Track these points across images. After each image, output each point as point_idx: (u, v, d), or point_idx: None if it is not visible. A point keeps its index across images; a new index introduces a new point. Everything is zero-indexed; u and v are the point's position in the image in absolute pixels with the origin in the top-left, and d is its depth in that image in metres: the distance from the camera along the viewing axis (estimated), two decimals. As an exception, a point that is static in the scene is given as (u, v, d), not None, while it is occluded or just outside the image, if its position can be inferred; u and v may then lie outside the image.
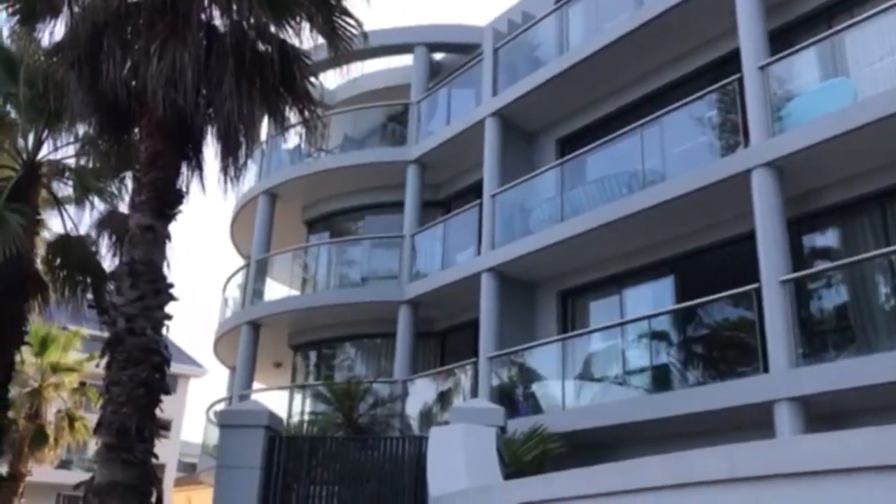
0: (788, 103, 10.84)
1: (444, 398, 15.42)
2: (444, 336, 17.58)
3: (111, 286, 8.93)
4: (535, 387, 13.72)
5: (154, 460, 7.55)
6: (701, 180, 11.15)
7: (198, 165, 8.80)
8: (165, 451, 52.81)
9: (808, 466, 2.91)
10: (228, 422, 7.89)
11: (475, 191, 16.37)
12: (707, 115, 12.19)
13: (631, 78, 14.15)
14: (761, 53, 11.02)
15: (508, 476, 6.69)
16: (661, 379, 11.71)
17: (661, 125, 12.55)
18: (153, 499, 7.35)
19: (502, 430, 7.74)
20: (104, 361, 7.57)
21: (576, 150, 14.27)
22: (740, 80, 11.21)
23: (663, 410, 10.79)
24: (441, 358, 17.25)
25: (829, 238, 11.48)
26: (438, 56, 19.54)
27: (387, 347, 17.43)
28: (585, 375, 13.11)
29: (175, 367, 58.06)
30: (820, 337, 10.10)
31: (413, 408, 15.49)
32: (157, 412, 7.64)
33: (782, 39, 11.56)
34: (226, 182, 8.91)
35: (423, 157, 17.43)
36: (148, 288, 7.71)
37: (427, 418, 15.05)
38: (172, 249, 8.39)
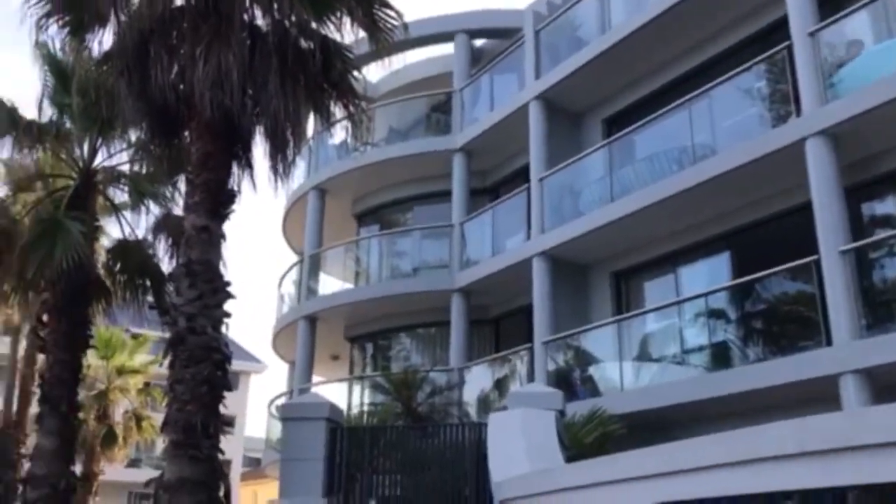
0: (840, 69, 10.55)
1: (500, 384, 15.44)
2: (498, 322, 17.59)
3: (170, 287, 9.10)
4: (592, 369, 13.65)
5: (220, 456, 7.71)
6: (753, 152, 10.93)
7: (248, 164, 8.93)
8: (230, 447, 53.83)
9: (876, 438, 2.85)
10: (290, 415, 8.02)
11: (522, 175, 16.31)
12: (756, 86, 11.93)
13: (676, 52, 13.91)
14: (810, 19, 10.73)
15: (569, 459, 6.67)
16: (720, 357, 11.54)
17: (709, 99, 12.33)
18: (221, 493, 7.52)
19: (561, 413, 7.72)
20: (168, 361, 7.74)
21: (623, 129, 14.10)
22: (789, 49, 10.94)
23: (724, 388, 10.65)
24: (496, 344, 17.26)
25: (889, 205, 11.16)
26: (479, 42, 19.46)
27: (441, 336, 17.51)
28: (643, 356, 13.00)
29: (236, 364, 59.48)
30: (884, 307, 9.83)
31: (470, 395, 15.54)
32: (221, 408, 7.81)
33: (831, 4, 11.24)
34: (275, 180, 9.03)
35: (468, 145, 17.41)
36: (206, 287, 7.87)
37: (484, 405, 15.10)
38: (227, 248, 8.55)
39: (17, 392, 20.35)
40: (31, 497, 11.13)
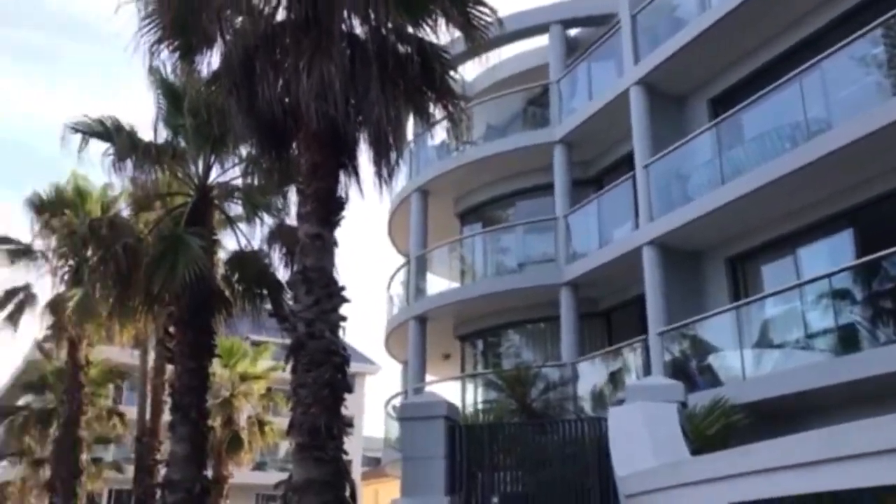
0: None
1: (615, 378, 15.21)
2: (609, 315, 17.33)
3: (288, 294, 9.39)
4: (710, 359, 13.26)
5: (344, 456, 7.90)
6: (873, 123, 10.36)
7: (354, 172, 9.13)
8: (350, 447, 55.00)
9: None
10: (409, 415, 8.14)
11: (626, 163, 16.01)
12: (872, 53, 11.30)
13: (781, 25, 13.34)
14: (930, -23, 10.09)
15: (694, 452, 6.51)
16: (847, 340, 11.00)
17: (820, 70, 11.76)
18: (347, 493, 7.70)
19: (682, 405, 7.53)
20: (290, 366, 7.99)
21: (729, 108, 13.62)
22: (908, 10, 10.32)
23: (853, 373, 10.13)
24: (608, 337, 17.01)
25: None
26: (574, 32, 19.22)
27: (551, 331, 17.39)
28: (763, 342, 12.53)
29: (352, 366, 60.93)
30: None
31: (584, 390, 15.38)
32: (342, 410, 7.99)
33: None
34: (380, 185, 9.19)
35: (568, 136, 17.22)
36: (322, 293, 8.08)
37: (599, 399, 14.92)
38: (339, 254, 8.73)
39: (149, 401, 21.49)
40: (169, 501, 11.70)
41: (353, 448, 57.72)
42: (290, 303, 8.36)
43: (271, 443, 25.43)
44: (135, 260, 11.93)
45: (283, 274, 13.04)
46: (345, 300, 8.34)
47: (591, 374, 15.69)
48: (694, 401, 10.69)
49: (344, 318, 8.24)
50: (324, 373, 7.82)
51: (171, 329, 12.76)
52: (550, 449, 8.10)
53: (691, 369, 13.36)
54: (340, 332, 8.17)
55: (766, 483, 4.00)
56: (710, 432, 9.46)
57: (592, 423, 8.26)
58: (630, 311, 16.33)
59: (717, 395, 11.23)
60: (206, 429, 12.39)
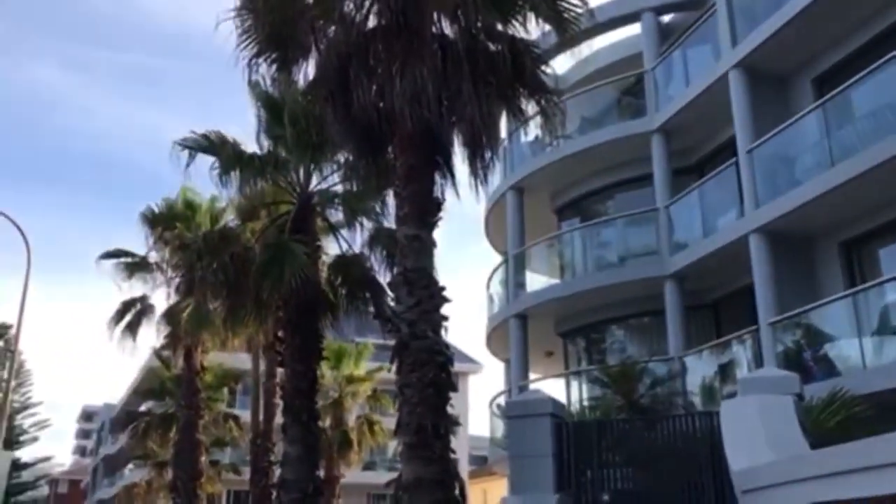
0: None
1: (725, 371, 14.76)
2: (716, 307, 16.82)
3: (389, 297, 9.52)
4: (826, 348, 12.69)
5: (451, 455, 7.95)
6: None
7: (449, 172, 9.18)
8: (457, 446, 55.39)
9: None
10: (515, 413, 8.12)
11: (728, 149, 15.49)
12: None
13: (892, -6, 12.64)
14: None
15: (813, 445, 6.23)
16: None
17: (937, 39, 11.09)
18: (456, 492, 7.75)
19: (799, 397, 7.24)
20: (395, 367, 8.11)
21: (835, 87, 12.99)
22: None
23: None
24: (716, 330, 16.50)
25: None
26: (666, 18, 18.75)
27: (656, 325, 17.02)
28: (884, 330, 11.89)
29: (455, 366, 60.99)
30: None
31: (693, 384, 14.98)
32: (448, 409, 8.05)
33: None
34: (476, 183, 9.21)
35: (665, 125, 16.81)
36: (423, 293, 8.16)
37: (709, 394, 14.49)
38: (438, 255, 8.79)
39: (262, 405, 22.22)
40: (285, 500, 12.07)
41: (460, 447, 57.97)
42: (392, 304, 8.47)
43: (380, 442, 25.86)
44: (243, 268, 12.37)
45: (384, 277, 13.28)
46: (446, 300, 8.39)
47: (700, 369, 15.25)
48: (810, 393, 10.23)
49: (445, 318, 8.31)
50: (428, 372, 7.89)
51: (280, 333, 13.17)
52: (661, 445, 7.92)
53: (806, 360, 12.81)
54: (443, 332, 8.23)
55: None
56: (830, 425, 9.03)
57: (704, 418, 8.03)
58: (738, 302, 15.80)
59: (834, 386, 10.72)
60: (317, 430, 12.71)
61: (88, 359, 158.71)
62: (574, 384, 17.75)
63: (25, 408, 60.55)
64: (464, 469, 55.64)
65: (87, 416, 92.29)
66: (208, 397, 21.88)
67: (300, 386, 12.54)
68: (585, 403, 15.88)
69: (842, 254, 13.43)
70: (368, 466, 40.77)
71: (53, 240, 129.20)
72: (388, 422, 26.83)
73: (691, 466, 7.76)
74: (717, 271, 15.56)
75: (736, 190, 14.61)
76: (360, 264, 13.64)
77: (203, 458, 20.31)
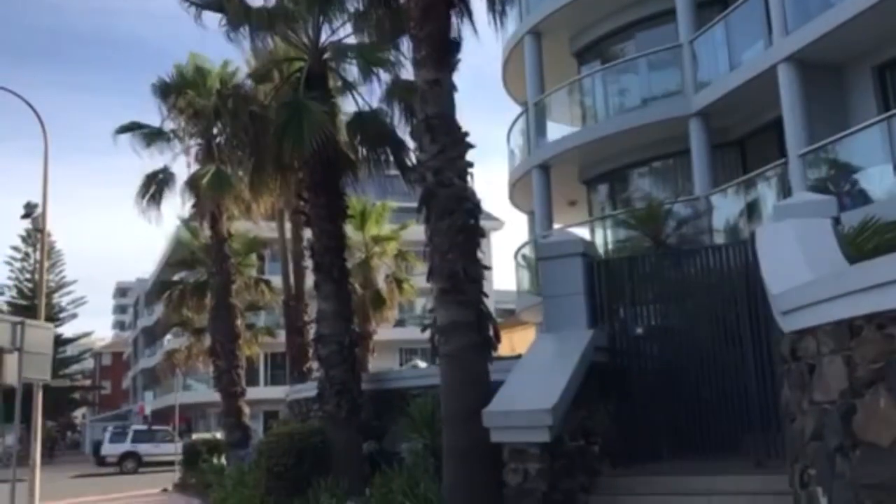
0: None
1: (752, 209, 14.66)
2: (742, 143, 16.51)
3: (411, 150, 9.33)
4: (856, 178, 12.48)
5: (484, 299, 8.02)
6: None
7: (466, 9, 8.79)
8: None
9: None
10: (547, 254, 8.11)
11: (755, -25, 14.69)
12: None
13: None
14: None
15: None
16: None
17: None
18: (490, 333, 7.87)
19: (836, 221, 7.12)
20: (423, 217, 8.06)
21: None
22: None
23: None
24: (742, 167, 16.26)
25: None
26: None
27: (681, 166, 16.82)
28: (918, 155, 11.63)
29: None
30: None
31: (719, 223, 14.93)
32: (478, 255, 8.05)
33: None
34: (494, 20, 8.83)
35: (688, -45, 15.93)
36: (446, 140, 7.99)
37: (734, 233, 14.45)
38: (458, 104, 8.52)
39: (291, 268, 22.59)
40: (323, 353, 12.41)
41: (486, 300, 59.24)
42: (416, 154, 8.32)
43: (409, 299, 26.35)
44: (262, 127, 12.19)
45: (403, 131, 13.06)
46: (469, 146, 8.23)
47: (726, 208, 15.18)
48: (843, 221, 10.14)
49: (471, 165, 8.17)
50: (457, 219, 7.85)
51: (304, 194, 13.14)
52: (693, 279, 7.92)
53: (836, 191, 12.63)
54: (468, 179, 8.12)
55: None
56: (868, 248, 8.96)
57: (737, 248, 7.99)
58: (766, 137, 15.51)
59: (866, 213, 10.58)
60: (348, 286, 12.88)
61: (118, 238, 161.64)
62: (599, 231, 17.75)
63: (61, 286, 62.38)
64: (491, 322, 57.21)
65: (122, 292, 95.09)
66: (238, 263, 22.22)
67: (329, 244, 12.61)
68: (611, 247, 15.99)
69: (875, 78, 12.97)
70: (399, 323, 41.78)
71: (62, 119, 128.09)
72: (416, 280, 27.30)
73: (725, 299, 7.79)
74: (744, 106, 15.16)
75: (763, 19, 13.98)
76: (379, 120, 13.37)
77: (239, 322, 20.84)
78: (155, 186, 19.69)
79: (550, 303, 8.00)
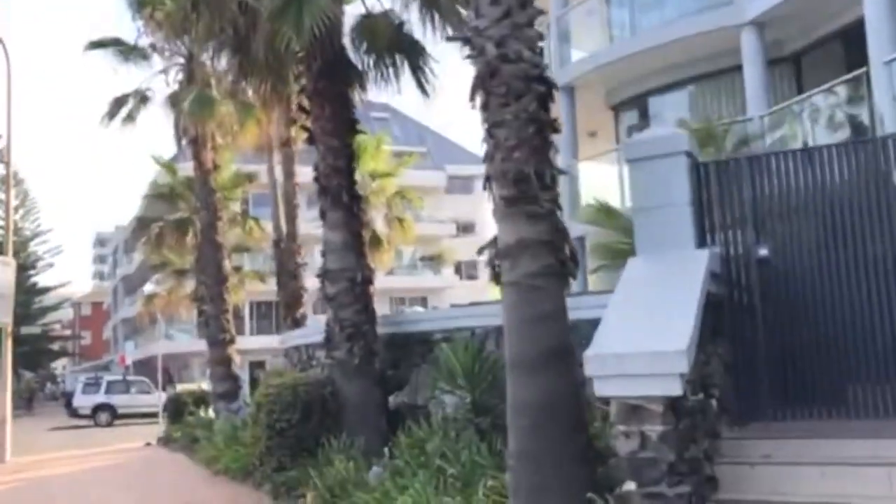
0: None
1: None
2: (798, 59, 14.60)
3: (467, 11, 7.27)
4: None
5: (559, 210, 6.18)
6: None
7: None
8: (472, 251, 55.10)
9: None
10: (641, 154, 6.24)
11: None
12: None
13: None
14: None
15: None
16: None
17: None
18: (568, 255, 6.05)
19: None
20: (479, 102, 6.16)
21: None
22: None
23: None
24: (797, 86, 14.40)
25: None
26: None
27: (727, 85, 14.96)
28: None
29: (468, 168, 58.52)
30: None
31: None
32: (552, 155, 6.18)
33: None
34: None
35: None
36: (512, 2, 6.05)
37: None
38: None
39: (282, 208, 20.58)
40: (330, 292, 10.60)
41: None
42: (470, 21, 6.35)
43: (411, 240, 24.45)
44: (252, 22, 10.18)
45: (422, 36, 11.12)
46: (539, 11, 6.29)
47: (783, 129, 13.38)
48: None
49: (541, 37, 6.24)
50: (526, 105, 5.96)
51: (306, 105, 11.19)
52: (830, 185, 6.10)
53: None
54: (540, 54, 6.20)
55: None
56: None
57: (873, 145, 6.20)
58: (825, 52, 13.67)
59: None
60: (360, 212, 11.02)
61: (95, 185, 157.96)
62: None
63: (37, 235, 59.97)
64: (482, 271, 55.58)
65: (101, 241, 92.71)
66: (225, 197, 20.19)
67: (336, 164, 10.71)
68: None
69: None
70: (388, 272, 40.05)
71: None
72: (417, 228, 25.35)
73: (872, 210, 5.99)
74: (806, 15, 13.25)
75: None
76: (391, 22, 11.38)
77: (226, 263, 18.91)
78: (129, 106, 17.50)
79: (645, 218, 6.16)
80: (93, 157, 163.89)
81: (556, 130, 6.28)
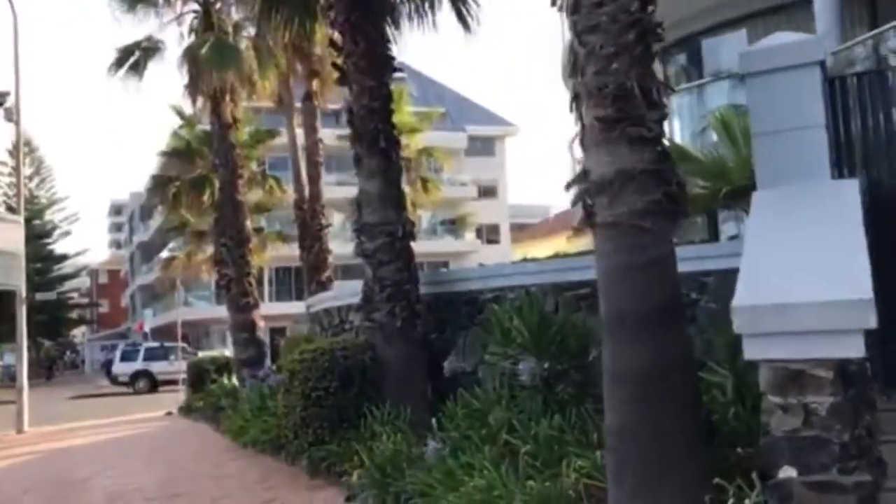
0: None
1: None
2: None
3: None
4: None
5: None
6: None
7: None
8: (496, 216, 53.88)
9: None
10: (761, 66, 5.13)
11: None
12: None
13: None
14: None
15: None
16: None
17: None
18: (674, 186, 4.97)
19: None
20: (566, 4, 5.06)
21: None
22: None
23: None
24: (870, 21, 13.11)
25: None
26: None
27: (794, 20, 13.68)
28: None
29: (489, 129, 57.35)
30: None
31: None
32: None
33: None
34: None
35: None
36: None
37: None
38: None
39: (303, 167, 19.53)
40: (368, 248, 9.58)
41: (501, 217, 56.20)
42: None
43: (436, 201, 23.40)
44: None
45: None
46: None
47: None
48: None
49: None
50: (626, 5, 4.87)
51: (337, 41, 10.10)
52: None
53: None
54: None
55: None
56: None
57: None
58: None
59: None
60: (399, 158, 9.97)
61: (110, 153, 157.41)
62: (685, 110, 14.66)
63: (52, 203, 59.31)
64: (505, 236, 54.48)
65: (117, 209, 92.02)
66: (245, 156, 19.11)
67: (372, 105, 9.62)
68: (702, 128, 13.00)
69: None
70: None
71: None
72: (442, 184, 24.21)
73: None
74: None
75: None
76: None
77: (248, 223, 17.90)
78: (138, 56, 16.35)
79: (767, 143, 5.07)
80: (106, 124, 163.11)
81: (660, 38, 5.18)
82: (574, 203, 5.22)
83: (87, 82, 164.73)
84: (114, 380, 33.34)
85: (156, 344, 33.88)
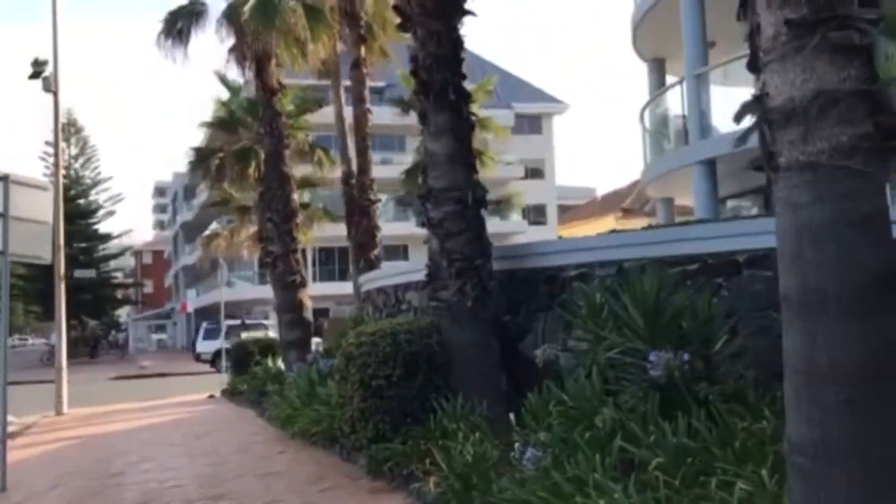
0: None
1: None
2: None
3: None
4: None
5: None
6: None
7: None
8: (545, 196, 52.31)
9: None
10: None
11: None
12: None
13: None
14: None
15: None
16: None
17: None
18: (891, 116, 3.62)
19: None
20: None
21: None
22: None
23: None
24: None
25: None
26: None
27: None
28: None
29: (536, 107, 55.77)
30: None
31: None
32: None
33: None
34: None
35: None
36: None
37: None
38: None
39: (351, 138, 18.36)
40: (435, 217, 8.36)
41: (547, 198, 54.58)
42: None
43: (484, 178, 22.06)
44: None
45: None
46: None
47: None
48: None
49: None
50: None
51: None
52: None
53: None
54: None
55: None
56: None
57: None
58: None
59: None
60: (471, 115, 8.72)
61: (154, 135, 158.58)
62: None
63: (97, 183, 59.18)
64: (552, 217, 52.91)
65: (160, 191, 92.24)
66: (291, 125, 17.97)
67: (440, 52, 8.36)
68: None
69: None
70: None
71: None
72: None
73: None
74: None
75: None
76: None
77: (294, 196, 16.79)
78: (181, 24, 15.34)
79: None
80: (152, 108, 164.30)
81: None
82: (738, 141, 3.89)
83: (131, 63, 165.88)
84: (198, 358, 33.11)
85: (237, 321, 32.77)
